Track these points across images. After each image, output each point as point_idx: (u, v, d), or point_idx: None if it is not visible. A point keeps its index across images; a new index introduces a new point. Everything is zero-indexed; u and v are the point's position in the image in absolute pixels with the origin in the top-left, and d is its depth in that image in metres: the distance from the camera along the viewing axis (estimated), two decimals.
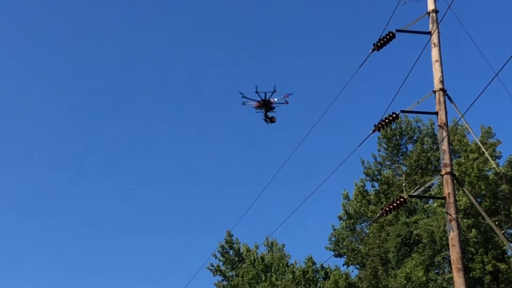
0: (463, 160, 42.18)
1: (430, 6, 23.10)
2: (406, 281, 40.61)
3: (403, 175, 48.13)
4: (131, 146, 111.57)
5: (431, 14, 22.97)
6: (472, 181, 40.76)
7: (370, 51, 23.52)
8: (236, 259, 57.81)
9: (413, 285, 40.34)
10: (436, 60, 22.25)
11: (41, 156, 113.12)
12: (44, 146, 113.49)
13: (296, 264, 53.40)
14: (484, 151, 36.81)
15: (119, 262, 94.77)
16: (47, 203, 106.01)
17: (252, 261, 54.09)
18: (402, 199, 21.39)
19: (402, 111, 22.68)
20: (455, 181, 21.22)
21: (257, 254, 55.15)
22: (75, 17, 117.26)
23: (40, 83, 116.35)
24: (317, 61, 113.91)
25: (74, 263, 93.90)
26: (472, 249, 40.07)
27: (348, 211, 50.53)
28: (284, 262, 53.55)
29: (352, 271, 49.48)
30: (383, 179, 48.48)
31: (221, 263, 58.17)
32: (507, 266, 40.34)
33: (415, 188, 24.89)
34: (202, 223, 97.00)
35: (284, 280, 50.69)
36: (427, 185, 26.35)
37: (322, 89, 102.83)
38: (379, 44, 23.27)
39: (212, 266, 57.70)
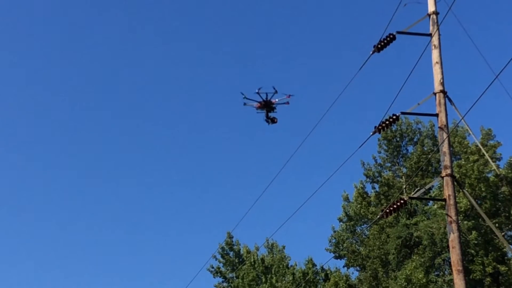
0: (463, 162, 42.18)
1: (431, 8, 23.11)
2: (406, 283, 40.61)
3: (403, 177, 48.14)
4: (132, 146, 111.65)
5: (431, 16, 22.98)
6: (473, 183, 40.76)
7: (371, 52, 23.53)
8: (237, 260, 57.77)
9: (414, 287, 40.33)
10: (437, 62, 22.26)
11: (46, 155, 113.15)
12: (48, 146, 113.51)
13: (296, 265, 53.40)
14: (485, 153, 36.84)
15: (119, 263, 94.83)
16: (47, 203, 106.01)
17: (252, 263, 54.07)
18: (402, 201, 21.37)
19: (403, 113, 22.70)
20: (455, 183, 21.23)
21: (257, 255, 55.12)
22: (77, 16, 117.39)
23: (40, 83, 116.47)
24: (317, 63, 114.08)
25: (73, 263, 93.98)
26: (473, 251, 40.07)
27: (348, 213, 50.50)
28: (284, 264, 53.52)
29: (353, 273, 49.55)
30: (383, 181, 48.47)
31: (221, 264, 58.12)
32: (507, 268, 40.35)
33: (416, 190, 24.90)
34: (202, 224, 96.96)
35: (284, 281, 50.67)
36: (427, 187, 26.34)
37: (323, 91, 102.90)
38: (379, 45, 23.27)
39: (212, 267, 57.67)
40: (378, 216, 28.41)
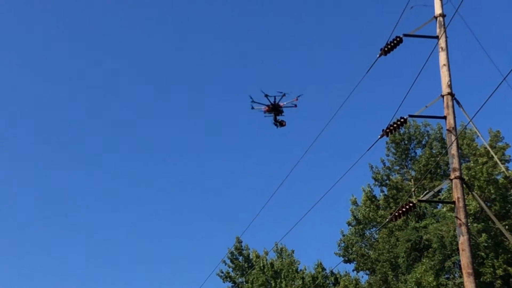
0: (472, 164, 42.07)
1: (437, 10, 23.08)
2: (416, 286, 40.51)
3: (412, 179, 48.04)
4: (140, 149, 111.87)
5: (438, 19, 22.95)
6: (482, 185, 40.65)
7: (378, 55, 23.50)
8: (246, 265, 57.76)
9: None
10: (444, 64, 22.22)
11: (53, 156, 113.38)
12: (50, 146, 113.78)
13: (305, 270, 53.32)
14: (493, 155, 36.71)
15: (128, 267, 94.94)
16: (60, 206, 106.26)
17: (262, 267, 54.05)
18: (411, 204, 21.33)
19: (410, 116, 22.63)
20: (464, 186, 21.16)
21: (266, 260, 55.09)
22: (80, 18, 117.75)
23: (39, 83, 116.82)
24: (324, 66, 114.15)
25: (83, 267, 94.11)
26: (483, 254, 39.94)
27: (357, 217, 50.43)
28: (294, 268, 53.45)
29: (362, 276, 49.44)
30: (392, 184, 48.39)
31: (230, 269, 58.14)
32: None
33: (424, 192, 24.77)
34: (211, 229, 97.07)
35: (294, 286, 50.62)
36: (436, 189, 26.27)
37: (330, 94, 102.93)
38: (386, 48, 23.25)
39: (222, 272, 57.68)
40: (387, 220, 28.35)
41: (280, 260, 55.86)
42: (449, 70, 22.16)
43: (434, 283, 40.10)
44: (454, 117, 21.65)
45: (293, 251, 56.50)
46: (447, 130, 21.63)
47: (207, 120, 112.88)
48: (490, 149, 30.98)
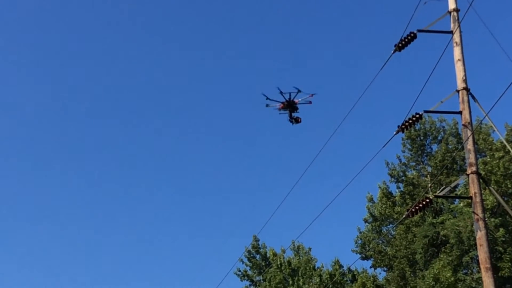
0: (488, 159, 41.94)
1: (451, 5, 23.02)
2: (434, 282, 40.42)
3: (428, 175, 47.93)
4: (159, 151, 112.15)
5: (452, 13, 22.89)
6: (498, 179, 40.52)
7: (392, 51, 23.48)
8: (263, 263, 57.89)
9: (442, 286, 40.13)
10: (459, 59, 22.17)
11: (53, 156, 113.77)
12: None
13: (323, 267, 53.36)
14: (510, 149, 36.57)
15: (148, 267, 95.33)
16: (74, 209, 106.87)
17: (279, 265, 54.13)
18: (428, 200, 21.31)
19: (426, 111, 22.59)
20: (481, 181, 21.11)
21: (283, 258, 55.18)
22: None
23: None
24: (339, 62, 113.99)
25: (100, 267, 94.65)
26: (501, 248, 39.80)
27: (373, 214, 50.37)
28: (311, 266, 53.49)
29: (380, 273, 49.43)
30: (408, 180, 48.28)
31: (248, 267, 58.27)
32: None
33: (441, 188, 24.72)
34: (228, 228, 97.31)
35: (311, 283, 50.66)
36: (453, 185, 26.21)
37: (345, 91, 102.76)
38: (400, 44, 23.22)
39: (239, 271, 57.85)
40: (404, 216, 28.30)
41: (297, 258, 55.91)
42: (464, 65, 22.10)
43: (452, 279, 40.01)
44: (470, 112, 21.59)
45: (310, 249, 56.56)
46: (463, 125, 21.58)
47: (222, 121, 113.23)
48: (506, 143, 30.78)
